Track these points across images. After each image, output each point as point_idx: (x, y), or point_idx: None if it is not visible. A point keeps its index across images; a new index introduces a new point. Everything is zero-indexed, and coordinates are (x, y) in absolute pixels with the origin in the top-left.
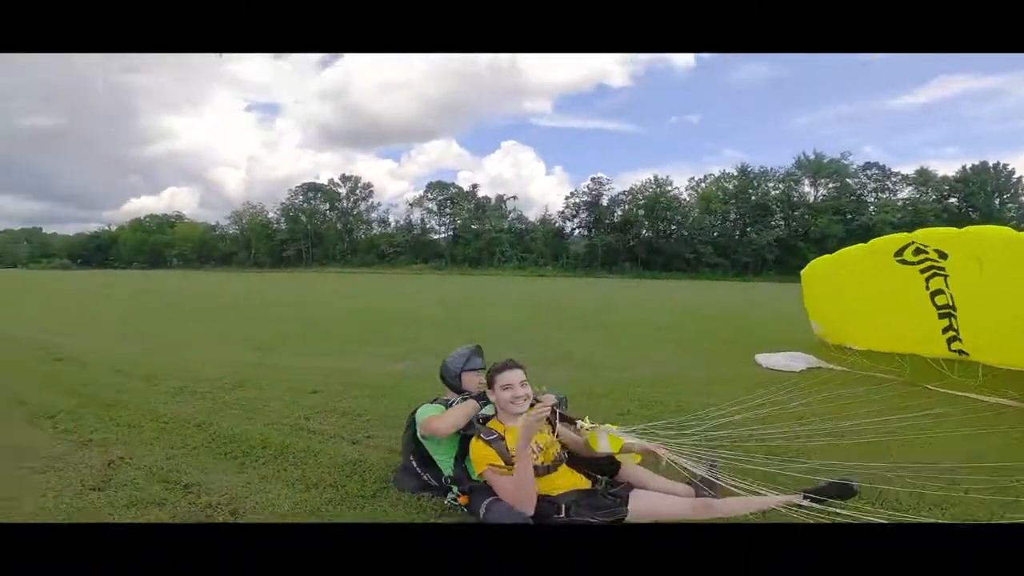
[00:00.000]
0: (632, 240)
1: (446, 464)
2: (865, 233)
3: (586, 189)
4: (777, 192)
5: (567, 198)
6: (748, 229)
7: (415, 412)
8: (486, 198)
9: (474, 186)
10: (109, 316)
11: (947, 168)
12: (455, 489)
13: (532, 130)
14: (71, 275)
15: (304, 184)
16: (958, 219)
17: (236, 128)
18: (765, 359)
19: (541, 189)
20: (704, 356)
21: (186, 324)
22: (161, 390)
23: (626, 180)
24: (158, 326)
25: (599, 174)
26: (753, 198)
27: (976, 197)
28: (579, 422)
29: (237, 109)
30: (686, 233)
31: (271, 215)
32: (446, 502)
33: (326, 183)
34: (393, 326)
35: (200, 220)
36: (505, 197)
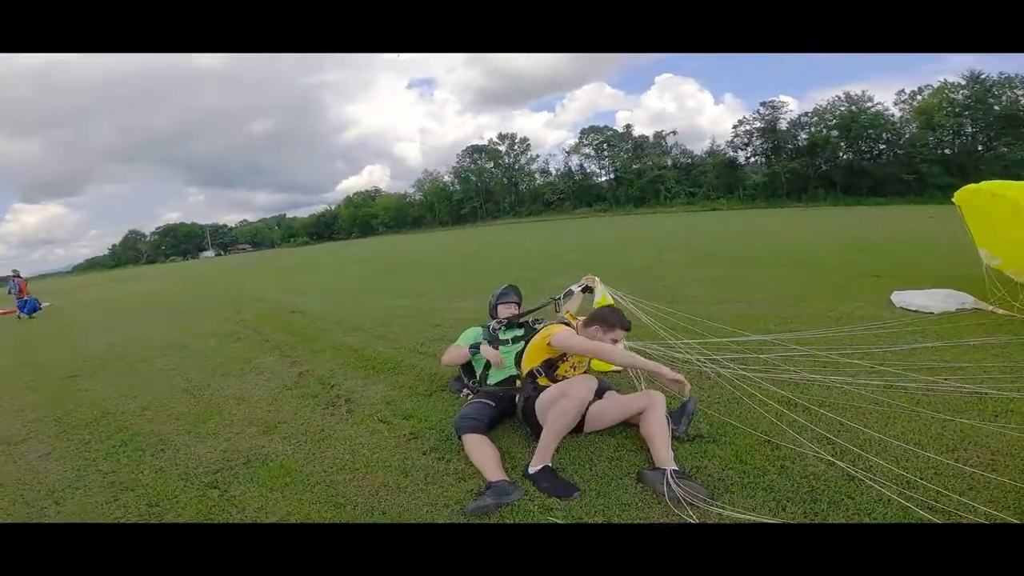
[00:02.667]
0: (824, 165)
1: (478, 368)
2: None
3: (757, 115)
4: None
5: (734, 127)
6: (993, 144)
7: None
8: (643, 136)
9: (628, 126)
10: (325, 280)
11: None
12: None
13: (691, 60)
14: (308, 249)
15: (469, 147)
16: None
17: (405, 105)
18: (900, 297)
19: (711, 119)
20: (835, 290)
21: (371, 280)
22: (342, 329)
23: (816, 98)
24: (353, 284)
25: (775, 97)
26: (996, 108)
27: None
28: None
29: (400, 87)
30: (901, 152)
31: (446, 179)
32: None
33: (487, 143)
34: (528, 270)
35: (393, 191)
36: (664, 133)
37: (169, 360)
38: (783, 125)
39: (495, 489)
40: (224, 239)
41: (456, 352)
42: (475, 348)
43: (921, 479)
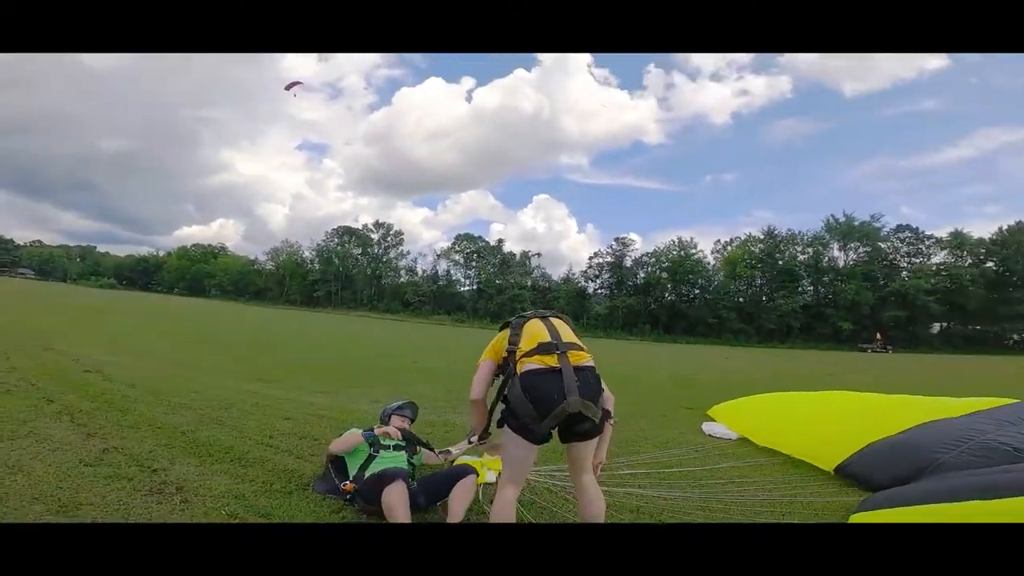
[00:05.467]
0: (653, 303)
1: (353, 469)
2: (900, 300)
3: (609, 249)
4: (805, 256)
5: (590, 258)
6: (774, 295)
7: None
8: (511, 253)
9: (500, 240)
10: (140, 339)
11: (987, 229)
12: (346, 484)
13: (567, 186)
14: (117, 294)
15: (340, 227)
16: (995, 284)
17: (287, 166)
18: (708, 427)
19: (572, 246)
20: (660, 419)
21: (203, 352)
22: (163, 405)
23: (658, 240)
24: (179, 352)
25: (626, 234)
26: (780, 262)
27: (1014, 261)
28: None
29: (290, 148)
30: (709, 297)
31: (306, 254)
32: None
33: (361, 227)
34: (387, 372)
35: (242, 253)
36: (530, 254)
37: None
38: (628, 262)
39: None
40: (1, 257)
41: (349, 438)
42: (370, 431)
43: None
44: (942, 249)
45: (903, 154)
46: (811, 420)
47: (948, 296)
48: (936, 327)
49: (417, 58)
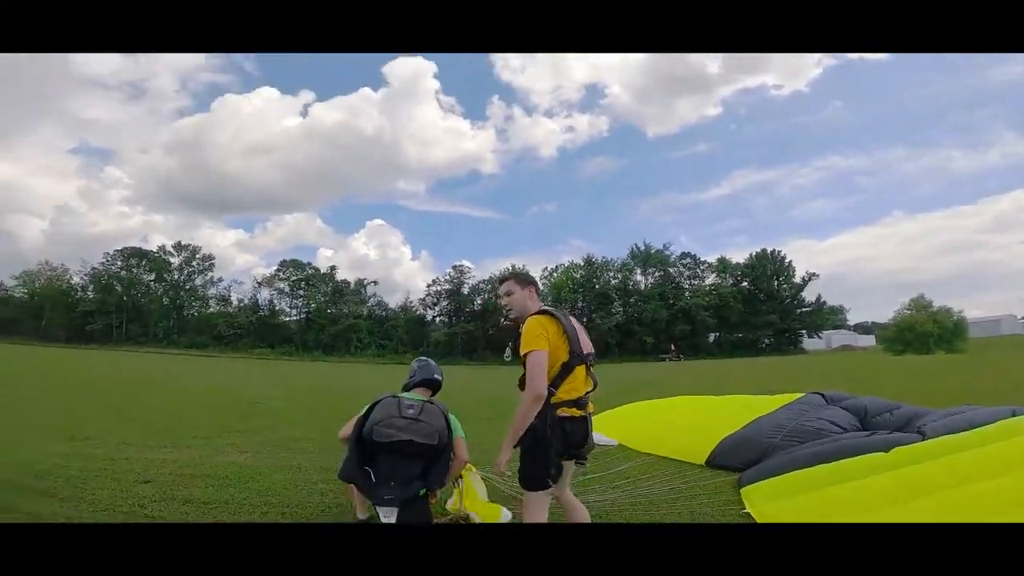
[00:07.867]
0: (491, 329)
1: None
2: (685, 316)
3: (448, 277)
4: (616, 281)
5: (428, 285)
6: (593, 316)
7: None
8: (345, 282)
9: (332, 268)
10: None
11: (740, 255)
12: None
13: (402, 212)
14: None
15: (126, 248)
16: (749, 300)
17: (54, 171)
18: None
19: (406, 273)
20: None
21: None
22: None
23: (491, 267)
24: None
25: (463, 261)
26: (596, 287)
27: (760, 281)
28: None
29: (60, 149)
30: None
31: (75, 280)
32: None
33: (156, 249)
34: (231, 416)
35: None
36: (365, 282)
37: None
38: (466, 289)
39: None
40: None
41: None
42: None
43: None
44: (712, 272)
45: (682, 191)
46: (674, 424)
47: (717, 311)
48: (711, 337)
49: (249, 64)
